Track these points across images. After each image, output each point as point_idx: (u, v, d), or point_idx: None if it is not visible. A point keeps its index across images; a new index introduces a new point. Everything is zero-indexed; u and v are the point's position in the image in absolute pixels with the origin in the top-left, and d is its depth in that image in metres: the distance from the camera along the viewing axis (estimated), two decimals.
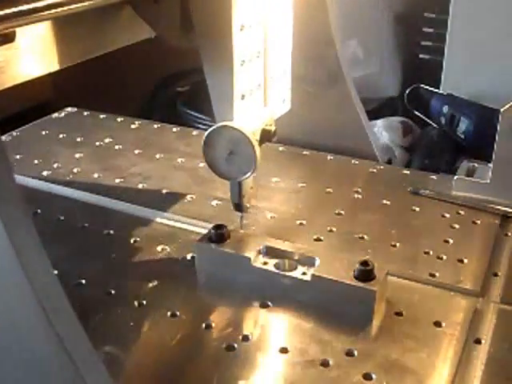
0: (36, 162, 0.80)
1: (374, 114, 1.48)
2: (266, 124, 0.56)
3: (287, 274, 0.53)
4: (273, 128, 0.56)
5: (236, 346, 0.48)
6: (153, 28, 0.60)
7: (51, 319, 0.36)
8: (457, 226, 0.66)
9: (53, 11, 0.45)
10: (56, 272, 0.56)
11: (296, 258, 0.54)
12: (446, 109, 1.26)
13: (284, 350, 0.48)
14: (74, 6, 0.47)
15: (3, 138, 0.88)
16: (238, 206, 0.58)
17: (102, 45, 0.63)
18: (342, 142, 0.83)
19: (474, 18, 1.29)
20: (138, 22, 0.60)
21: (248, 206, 0.59)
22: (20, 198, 0.38)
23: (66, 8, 0.46)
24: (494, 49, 1.29)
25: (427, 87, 1.30)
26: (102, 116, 0.96)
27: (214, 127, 0.53)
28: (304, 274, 0.53)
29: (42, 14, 0.44)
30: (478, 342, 0.49)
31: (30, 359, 0.39)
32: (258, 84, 0.57)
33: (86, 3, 0.48)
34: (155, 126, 0.93)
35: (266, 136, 0.56)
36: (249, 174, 0.54)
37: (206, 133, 0.53)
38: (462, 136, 1.21)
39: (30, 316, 0.37)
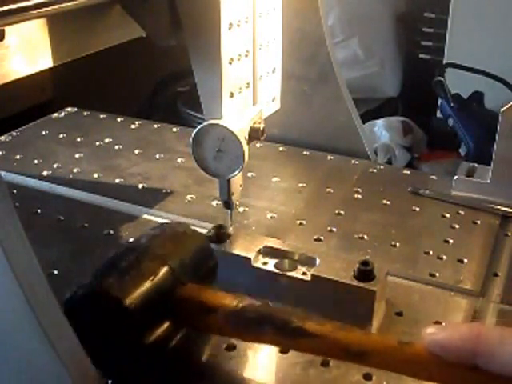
0: (36, 162, 0.80)
1: (374, 114, 1.49)
2: (254, 122, 0.56)
3: (287, 273, 0.53)
4: (261, 126, 0.56)
5: (236, 345, 0.48)
6: (142, 26, 0.60)
7: (36, 311, 0.37)
8: (457, 226, 0.66)
9: (43, 10, 0.45)
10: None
11: (296, 258, 0.54)
12: (450, 122, 1.27)
13: (284, 350, 0.48)
14: (64, 5, 0.47)
15: (3, 138, 0.88)
16: (227, 204, 0.58)
17: (92, 43, 0.63)
18: (334, 141, 0.83)
19: None
20: (128, 21, 0.60)
21: (237, 203, 0.59)
22: (4, 191, 0.38)
23: (56, 6, 0.46)
24: (496, 21, 1.29)
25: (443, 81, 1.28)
26: (102, 116, 0.96)
27: (202, 125, 0.53)
28: (304, 274, 0.53)
29: (32, 12, 0.44)
30: None
31: (14, 352, 0.39)
32: (247, 82, 0.57)
33: (75, 1, 0.48)
34: (155, 125, 0.93)
35: (254, 134, 0.56)
36: (237, 171, 0.54)
37: (195, 131, 0.53)
38: (464, 157, 1.23)
39: (15, 308, 0.37)
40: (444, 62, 1.40)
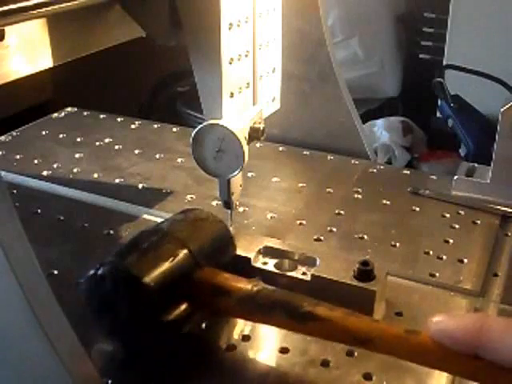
0: (36, 162, 0.80)
1: (373, 114, 1.49)
2: (254, 122, 0.56)
3: (287, 273, 0.53)
4: (261, 126, 0.56)
5: (236, 345, 0.48)
6: (141, 26, 0.60)
7: (36, 311, 0.37)
8: (457, 226, 0.66)
9: (43, 10, 0.45)
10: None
11: (296, 258, 0.54)
12: (450, 122, 1.28)
13: (284, 350, 0.48)
14: (64, 5, 0.47)
15: (3, 138, 0.88)
16: (227, 204, 0.58)
17: (92, 43, 0.63)
18: (334, 141, 0.83)
19: None
20: (127, 21, 0.60)
21: (237, 203, 0.59)
22: (4, 191, 0.38)
23: (56, 6, 0.46)
24: (496, 21, 1.29)
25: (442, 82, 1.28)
26: (102, 116, 0.96)
27: (202, 125, 0.53)
28: (304, 274, 0.53)
29: (32, 12, 0.44)
30: None
31: (14, 352, 0.39)
32: (247, 82, 0.57)
33: (75, 1, 0.48)
34: (155, 125, 0.93)
35: (254, 134, 0.56)
36: (237, 171, 0.54)
37: (195, 130, 0.53)
38: (464, 157, 1.23)
39: (15, 308, 0.38)
40: (444, 62, 1.40)
